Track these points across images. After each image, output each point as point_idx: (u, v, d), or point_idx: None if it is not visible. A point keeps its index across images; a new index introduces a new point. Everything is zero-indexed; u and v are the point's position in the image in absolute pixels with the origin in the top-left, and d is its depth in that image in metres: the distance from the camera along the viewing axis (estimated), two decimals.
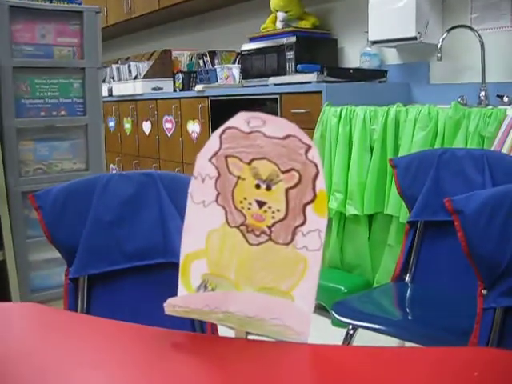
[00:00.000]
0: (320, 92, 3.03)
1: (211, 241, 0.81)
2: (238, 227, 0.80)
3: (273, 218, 0.78)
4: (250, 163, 0.77)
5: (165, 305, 0.83)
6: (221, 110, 3.82)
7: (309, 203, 0.76)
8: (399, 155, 2.52)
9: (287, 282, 0.78)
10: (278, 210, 0.77)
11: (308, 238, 0.76)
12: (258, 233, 0.79)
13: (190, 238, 0.82)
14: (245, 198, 0.78)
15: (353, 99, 2.98)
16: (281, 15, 3.89)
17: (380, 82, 3.43)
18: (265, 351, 0.78)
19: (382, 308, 1.82)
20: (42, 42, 2.35)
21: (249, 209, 0.79)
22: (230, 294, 0.80)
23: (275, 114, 3.30)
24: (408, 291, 1.87)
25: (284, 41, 3.63)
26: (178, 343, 0.85)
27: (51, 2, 2.42)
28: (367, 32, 3.35)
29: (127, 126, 5.02)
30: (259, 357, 0.77)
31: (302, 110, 3.10)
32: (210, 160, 0.79)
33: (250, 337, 0.82)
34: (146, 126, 4.70)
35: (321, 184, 0.75)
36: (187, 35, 5.46)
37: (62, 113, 2.36)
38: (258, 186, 0.77)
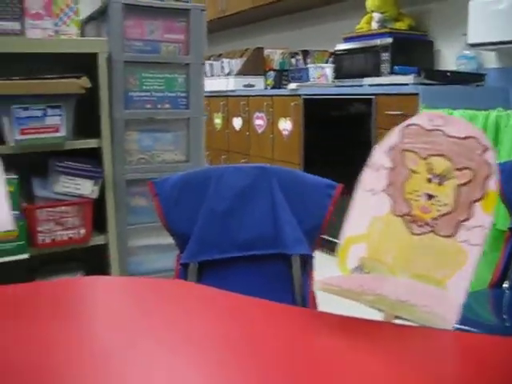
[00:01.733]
0: (416, 94, 3.01)
1: (374, 227, 0.85)
2: (402, 216, 0.85)
3: (438, 211, 0.82)
4: (425, 158, 0.83)
5: (314, 282, 0.89)
6: (314, 109, 3.86)
7: (477, 200, 0.80)
8: (498, 161, 2.47)
9: (443, 271, 0.81)
10: (445, 205, 0.82)
11: (471, 233, 0.81)
12: (421, 223, 0.84)
13: (354, 222, 0.88)
14: (415, 191, 0.84)
15: (449, 102, 2.95)
16: (377, 16, 3.88)
17: (477, 85, 3.37)
18: (413, 335, 0.82)
19: (478, 313, 1.81)
20: (150, 37, 2.45)
21: (416, 200, 0.84)
22: (386, 277, 0.85)
23: (369, 115, 3.31)
24: (506, 298, 1.85)
25: (378, 42, 3.63)
26: (324, 323, 0.88)
27: (162, 0, 2.52)
28: (466, 34, 3.30)
29: (217, 121, 5.13)
30: (409, 340, 0.81)
31: (397, 112, 3.09)
32: (387, 152, 0.85)
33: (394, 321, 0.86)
34: (237, 122, 4.79)
35: (493, 184, 0.79)
36: (280, 33, 5.52)
37: (166, 106, 2.46)
38: (429, 180, 0.83)
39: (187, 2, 2.63)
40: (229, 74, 4.97)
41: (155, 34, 2.46)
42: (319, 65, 4.36)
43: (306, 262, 1.41)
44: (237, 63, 4.95)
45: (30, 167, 2.24)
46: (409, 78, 3.15)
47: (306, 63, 4.71)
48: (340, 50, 3.97)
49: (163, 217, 1.40)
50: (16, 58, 2.15)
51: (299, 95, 3.98)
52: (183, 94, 2.50)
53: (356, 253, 0.87)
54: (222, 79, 5.01)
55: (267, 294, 1.23)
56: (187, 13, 2.49)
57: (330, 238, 1.80)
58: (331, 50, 4.39)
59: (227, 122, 4.96)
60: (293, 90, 4.05)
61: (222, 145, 5.08)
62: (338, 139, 3.66)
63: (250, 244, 1.42)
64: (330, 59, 4.49)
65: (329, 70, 4.20)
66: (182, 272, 1.44)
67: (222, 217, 1.41)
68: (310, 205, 1.40)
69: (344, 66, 3.92)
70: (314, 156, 3.87)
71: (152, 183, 1.39)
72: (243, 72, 4.87)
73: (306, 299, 1.36)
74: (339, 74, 3.97)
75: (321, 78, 4.25)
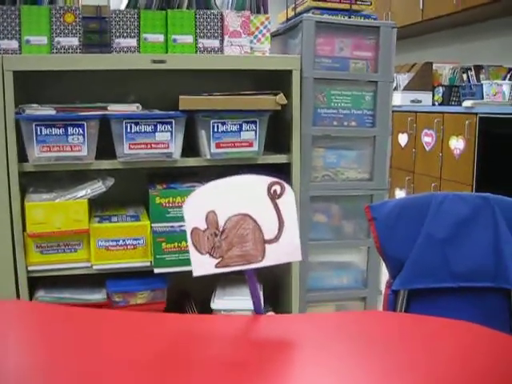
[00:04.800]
0: None
1: None
2: None
3: None
4: None
5: None
6: (490, 128, 3.69)
7: None
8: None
9: None
10: None
11: None
12: None
13: None
14: None
15: None
16: None
17: None
18: None
19: None
20: (339, 55, 2.46)
21: None
22: None
23: None
24: None
25: None
26: None
27: (349, 18, 2.53)
28: None
29: None
30: None
31: None
32: None
33: None
34: (402, 139, 4.70)
35: None
36: (449, 47, 5.34)
37: (353, 123, 2.45)
38: None
39: (375, 19, 2.62)
40: (396, 89, 4.89)
41: (344, 51, 2.47)
42: (495, 81, 4.17)
43: None
44: (404, 78, 4.86)
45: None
46: None
47: (478, 79, 4.53)
48: None
49: (378, 241, 1.38)
50: (211, 73, 2.24)
51: (475, 113, 3.82)
52: (370, 112, 2.49)
53: None
54: None
55: None
56: (377, 30, 2.48)
57: None
58: (509, 66, 4.19)
59: (392, 137, 4.87)
60: (468, 107, 3.90)
61: None
62: None
63: (468, 275, 1.37)
64: (509, 75, 4.28)
65: (506, 86, 4.00)
66: (392, 299, 1.42)
67: (440, 245, 1.37)
68: None
69: None
70: (488, 176, 3.70)
71: (368, 207, 1.38)
72: (411, 87, 4.78)
73: None
74: None
75: (497, 95, 4.06)
